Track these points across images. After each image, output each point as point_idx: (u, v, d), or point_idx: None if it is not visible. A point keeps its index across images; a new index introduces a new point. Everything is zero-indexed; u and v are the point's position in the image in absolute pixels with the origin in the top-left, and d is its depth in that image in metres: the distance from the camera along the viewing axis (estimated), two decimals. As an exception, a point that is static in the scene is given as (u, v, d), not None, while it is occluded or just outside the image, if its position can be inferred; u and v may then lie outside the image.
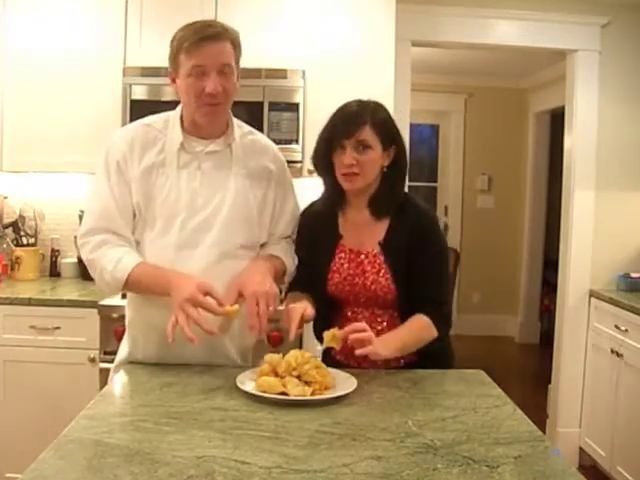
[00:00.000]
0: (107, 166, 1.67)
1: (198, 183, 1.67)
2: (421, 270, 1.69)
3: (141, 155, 1.66)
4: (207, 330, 1.49)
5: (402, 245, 1.71)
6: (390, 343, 1.61)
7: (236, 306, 1.58)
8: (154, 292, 1.61)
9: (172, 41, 1.63)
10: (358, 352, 1.54)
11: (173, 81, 1.66)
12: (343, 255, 1.77)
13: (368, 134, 1.66)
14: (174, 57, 1.62)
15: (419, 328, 1.68)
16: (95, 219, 1.67)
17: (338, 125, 1.69)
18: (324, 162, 1.74)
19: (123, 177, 1.66)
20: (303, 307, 1.64)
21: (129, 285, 1.62)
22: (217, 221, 1.66)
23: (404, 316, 1.73)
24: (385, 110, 1.75)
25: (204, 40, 1.57)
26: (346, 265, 1.75)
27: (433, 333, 1.68)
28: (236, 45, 1.65)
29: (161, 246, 1.65)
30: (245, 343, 1.77)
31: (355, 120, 1.67)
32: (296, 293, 1.80)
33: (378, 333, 1.72)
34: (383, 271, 1.71)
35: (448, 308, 1.79)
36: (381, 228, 1.75)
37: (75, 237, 3.13)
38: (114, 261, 1.61)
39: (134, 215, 1.67)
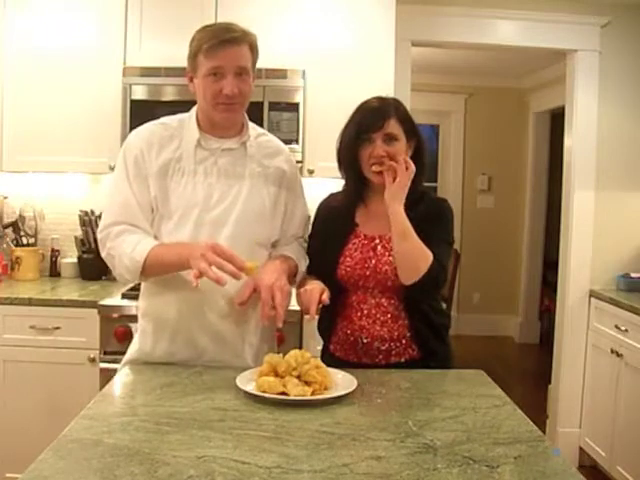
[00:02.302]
0: (125, 163, 1.70)
1: (214, 178, 1.69)
2: (425, 238, 1.68)
3: (159, 151, 1.69)
4: (230, 271, 1.48)
5: (414, 225, 1.71)
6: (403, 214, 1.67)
7: (257, 262, 1.58)
8: (173, 266, 1.60)
9: (192, 41, 1.67)
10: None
11: (191, 80, 1.71)
12: (357, 241, 1.79)
13: (394, 126, 1.72)
14: (193, 57, 1.66)
15: (425, 248, 1.67)
16: (115, 214, 1.69)
17: (364, 120, 1.74)
18: (350, 157, 1.77)
19: (141, 173, 1.68)
20: (321, 289, 1.66)
21: (148, 266, 1.61)
22: (232, 216, 1.68)
23: (409, 303, 1.73)
24: (403, 105, 1.80)
25: (223, 43, 1.62)
26: (359, 250, 1.77)
27: (424, 266, 1.65)
28: (253, 48, 1.70)
29: (176, 239, 1.66)
30: (261, 344, 1.77)
31: (381, 114, 1.73)
32: (305, 276, 1.82)
33: (382, 324, 1.74)
34: None
35: (445, 274, 1.75)
36: None
37: (75, 237, 3.17)
38: (133, 244, 1.62)
39: (152, 210, 1.69)
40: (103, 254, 1.71)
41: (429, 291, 1.74)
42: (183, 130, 1.72)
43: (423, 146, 1.80)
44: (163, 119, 1.76)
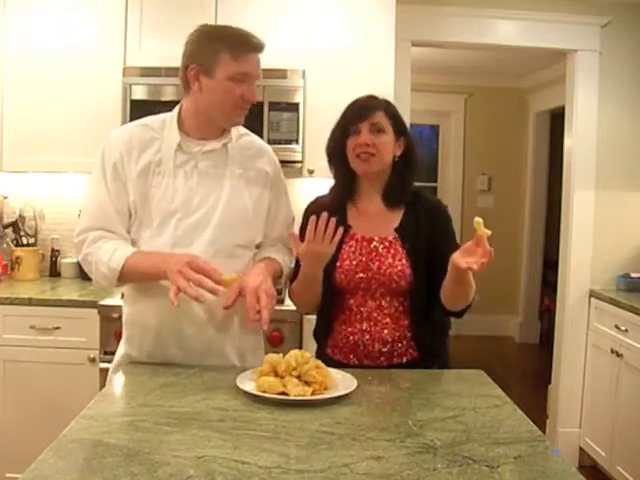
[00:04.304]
0: (104, 167, 1.68)
1: (195, 182, 1.68)
2: (445, 256, 1.64)
3: (138, 155, 1.66)
4: (210, 288, 1.50)
5: (421, 231, 1.73)
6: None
7: (233, 274, 1.58)
8: (150, 276, 1.61)
9: (212, 38, 1.62)
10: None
11: (196, 77, 1.62)
12: (353, 243, 1.78)
13: (382, 118, 1.74)
14: (214, 54, 1.60)
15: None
16: (91, 218, 1.68)
17: (352, 113, 1.76)
18: (338, 151, 1.78)
19: (120, 178, 1.66)
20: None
21: (125, 274, 1.61)
22: (213, 220, 1.67)
23: (417, 304, 1.73)
24: (393, 105, 1.82)
25: (253, 49, 1.62)
26: (358, 252, 1.76)
27: (473, 290, 1.69)
28: None
29: (156, 245, 1.65)
30: (244, 345, 1.77)
31: (369, 107, 1.75)
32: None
33: (383, 327, 1.74)
34: (399, 256, 1.73)
35: None
36: (395, 217, 1.78)
37: (75, 237, 3.17)
38: (110, 252, 1.62)
39: (130, 215, 1.68)
40: (79, 258, 1.70)
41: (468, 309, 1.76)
42: (164, 132, 1.69)
43: (413, 146, 1.81)
44: (145, 119, 1.74)
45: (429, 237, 1.73)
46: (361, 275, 1.74)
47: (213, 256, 1.63)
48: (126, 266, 1.60)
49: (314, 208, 1.82)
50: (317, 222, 1.58)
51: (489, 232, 1.48)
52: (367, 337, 1.75)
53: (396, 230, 1.76)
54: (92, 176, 1.72)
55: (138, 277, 1.64)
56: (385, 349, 1.74)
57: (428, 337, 1.76)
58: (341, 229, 1.59)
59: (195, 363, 1.67)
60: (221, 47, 1.59)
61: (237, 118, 1.68)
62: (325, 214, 1.58)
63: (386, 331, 1.74)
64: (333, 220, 1.58)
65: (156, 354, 1.69)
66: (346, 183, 1.81)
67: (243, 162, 1.74)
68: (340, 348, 1.79)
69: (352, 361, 1.76)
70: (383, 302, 1.75)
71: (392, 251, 1.73)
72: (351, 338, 1.76)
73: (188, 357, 1.68)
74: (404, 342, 1.75)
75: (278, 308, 1.82)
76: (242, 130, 1.80)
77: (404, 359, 1.75)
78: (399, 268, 1.71)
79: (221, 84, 1.61)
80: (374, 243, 1.76)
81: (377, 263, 1.73)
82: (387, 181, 1.78)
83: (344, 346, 1.78)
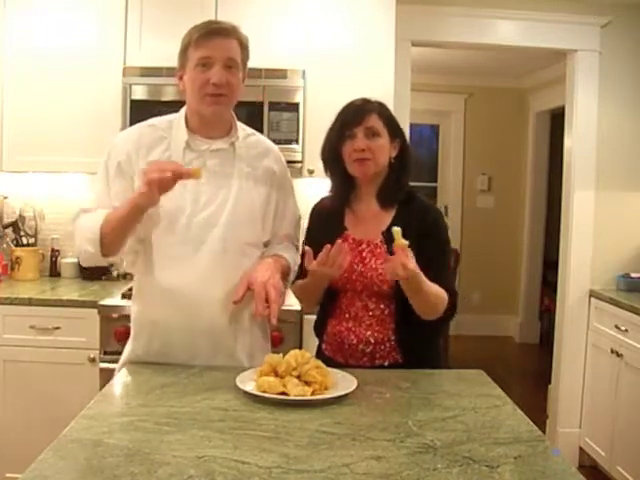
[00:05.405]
0: (107, 166, 1.71)
1: (203, 180, 1.68)
2: (430, 262, 1.66)
3: (147, 153, 1.68)
4: (172, 169, 1.48)
5: (407, 234, 1.71)
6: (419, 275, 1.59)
7: (203, 166, 1.60)
8: (127, 218, 1.58)
9: (183, 40, 1.68)
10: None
11: (180, 79, 1.70)
12: (345, 245, 1.77)
13: (376, 121, 1.74)
14: (183, 52, 1.67)
15: (440, 291, 1.68)
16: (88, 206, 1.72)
17: (347, 117, 1.76)
18: (333, 155, 1.79)
19: (124, 175, 1.68)
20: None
21: (105, 230, 1.60)
22: (222, 218, 1.68)
23: (402, 308, 1.72)
24: (387, 107, 1.82)
25: (212, 33, 1.62)
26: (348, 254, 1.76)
27: (442, 307, 1.69)
28: (243, 46, 1.69)
29: (167, 242, 1.66)
30: (254, 342, 1.77)
31: (363, 110, 1.75)
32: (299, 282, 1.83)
33: (367, 327, 1.75)
34: (381, 261, 1.72)
35: (456, 299, 1.78)
36: (386, 219, 1.78)
37: (75, 237, 3.17)
38: (91, 218, 1.65)
39: None
40: (75, 244, 1.72)
41: (448, 319, 1.76)
42: (172, 131, 1.71)
43: (408, 147, 1.82)
44: (152, 120, 1.75)
45: (414, 240, 1.67)
46: (347, 277, 1.75)
47: (222, 254, 1.65)
48: (106, 221, 1.60)
49: (319, 209, 1.90)
50: (331, 248, 1.61)
51: (406, 242, 1.54)
52: (352, 336, 1.76)
53: (383, 234, 1.76)
54: (95, 177, 1.75)
55: (119, 228, 1.60)
56: (368, 350, 1.75)
57: (414, 342, 1.75)
58: (349, 257, 1.66)
59: (203, 362, 1.67)
60: (187, 42, 1.65)
61: (209, 106, 1.65)
62: (342, 244, 1.62)
63: (369, 332, 1.75)
64: (346, 249, 1.64)
65: (163, 353, 1.69)
66: (343, 187, 1.82)
67: (250, 161, 1.76)
68: (331, 345, 1.81)
69: (339, 359, 1.77)
70: (369, 303, 1.76)
71: (376, 254, 1.74)
72: (338, 336, 1.78)
73: (196, 356, 1.68)
74: (387, 345, 1.75)
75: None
76: (249, 130, 1.82)
77: (386, 362, 1.75)
78: (380, 272, 1.71)
79: (190, 74, 1.65)
80: (363, 245, 1.77)
81: (361, 266, 1.74)
82: (383, 181, 1.79)
83: (333, 343, 1.80)
